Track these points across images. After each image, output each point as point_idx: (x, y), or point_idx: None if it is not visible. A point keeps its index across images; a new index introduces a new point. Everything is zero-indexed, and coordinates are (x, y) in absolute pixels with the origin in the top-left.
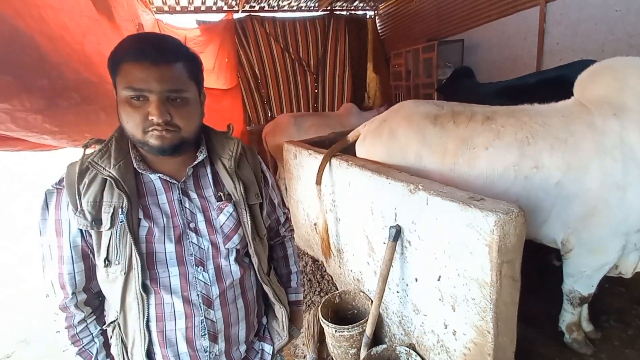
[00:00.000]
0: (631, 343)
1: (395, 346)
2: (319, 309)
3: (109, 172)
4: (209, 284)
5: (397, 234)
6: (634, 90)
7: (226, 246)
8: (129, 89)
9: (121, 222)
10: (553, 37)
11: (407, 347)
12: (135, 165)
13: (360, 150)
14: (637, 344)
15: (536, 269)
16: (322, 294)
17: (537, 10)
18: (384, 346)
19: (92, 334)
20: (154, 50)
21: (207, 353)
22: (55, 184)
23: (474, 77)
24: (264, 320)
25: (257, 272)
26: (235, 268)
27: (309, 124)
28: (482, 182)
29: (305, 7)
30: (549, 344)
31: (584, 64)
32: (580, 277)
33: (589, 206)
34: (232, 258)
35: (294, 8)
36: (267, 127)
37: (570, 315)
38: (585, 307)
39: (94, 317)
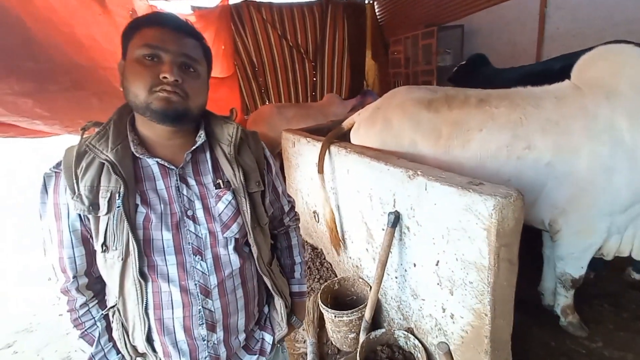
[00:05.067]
0: (625, 326)
1: (394, 330)
2: (319, 295)
3: (106, 155)
4: (207, 273)
5: (395, 220)
6: (628, 76)
7: (224, 235)
8: (145, 46)
9: (118, 207)
10: (553, 22)
11: (406, 331)
12: (132, 149)
13: (355, 139)
14: (632, 327)
15: (531, 254)
16: (321, 280)
17: None
18: (383, 330)
19: (94, 317)
20: (178, 21)
21: (205, 342)
22: (53, 167)
23: (490, 64)
24: (265, 309)
25: (256, 262)
26: (234, 257)
27: (292, 114)
28: (474, 163)
29: None
30: (545, 327)
31: None
32: (570, 260)
33: (577, 187)
34: (230, 247)
35: None
36: (250, 117)
37: (564, 299)
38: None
39: (96, 301)
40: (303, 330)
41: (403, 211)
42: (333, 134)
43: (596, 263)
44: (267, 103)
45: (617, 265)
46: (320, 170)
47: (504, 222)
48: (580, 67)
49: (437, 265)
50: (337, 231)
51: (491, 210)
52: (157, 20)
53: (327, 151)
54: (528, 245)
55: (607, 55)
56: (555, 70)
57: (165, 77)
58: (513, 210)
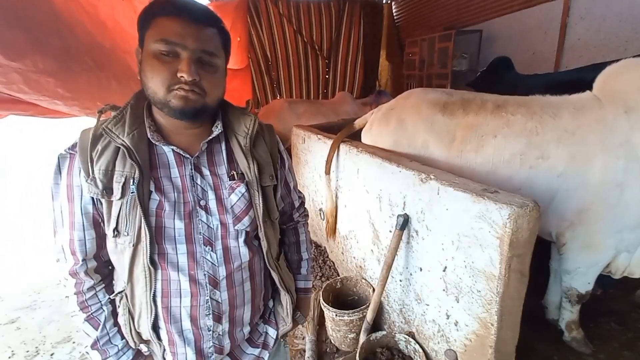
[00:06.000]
0: (630, 346)
1: (395, 333)
2: (320, 293)
3: (123, 140)
4: (217, 264)
5: (404, 222)
6: None
7: (236, 227)
8: (162, 41)
9: (132, 193)
10: (575, 32)
11: (407, 334)
12: (149, 136)
13: (366, 138)
14: (637, 347)
15: (537, 266)
16: (323, 278)
17: (561, 3)
18: (384, 332)
19: (100, 301)
20: (195, 9)
21: (211, 332)
22: (69, 148)
23: (514, 69)
24: (270, 303)
25: (265, 256)
26: (244, 250)
27: (303, 110)
28: (487, 169)
29: None
30: (548, 341)
31: None
32: (576, 274)
33: (588, 200)
34: (241, 240)
35: None
36: (261, 111)
37: (569, 314)
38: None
39: (103, 285)
40: (303, 326)
41: (413, 214)
42: (343, 134)
43: (605, 280)
44: (278, 97)
45: (627, 284)
46: (327, 171)
47: (518, 232)
48: (603, 79)
49: (444, 271)
50: (334, 224)
51: (506, 219)
52: (174, 9)
53: (337, 151)
54: (535, 256)
55: (631, 68)
56: (588, 80)
57: (182, 77)
58: (528, 221)
